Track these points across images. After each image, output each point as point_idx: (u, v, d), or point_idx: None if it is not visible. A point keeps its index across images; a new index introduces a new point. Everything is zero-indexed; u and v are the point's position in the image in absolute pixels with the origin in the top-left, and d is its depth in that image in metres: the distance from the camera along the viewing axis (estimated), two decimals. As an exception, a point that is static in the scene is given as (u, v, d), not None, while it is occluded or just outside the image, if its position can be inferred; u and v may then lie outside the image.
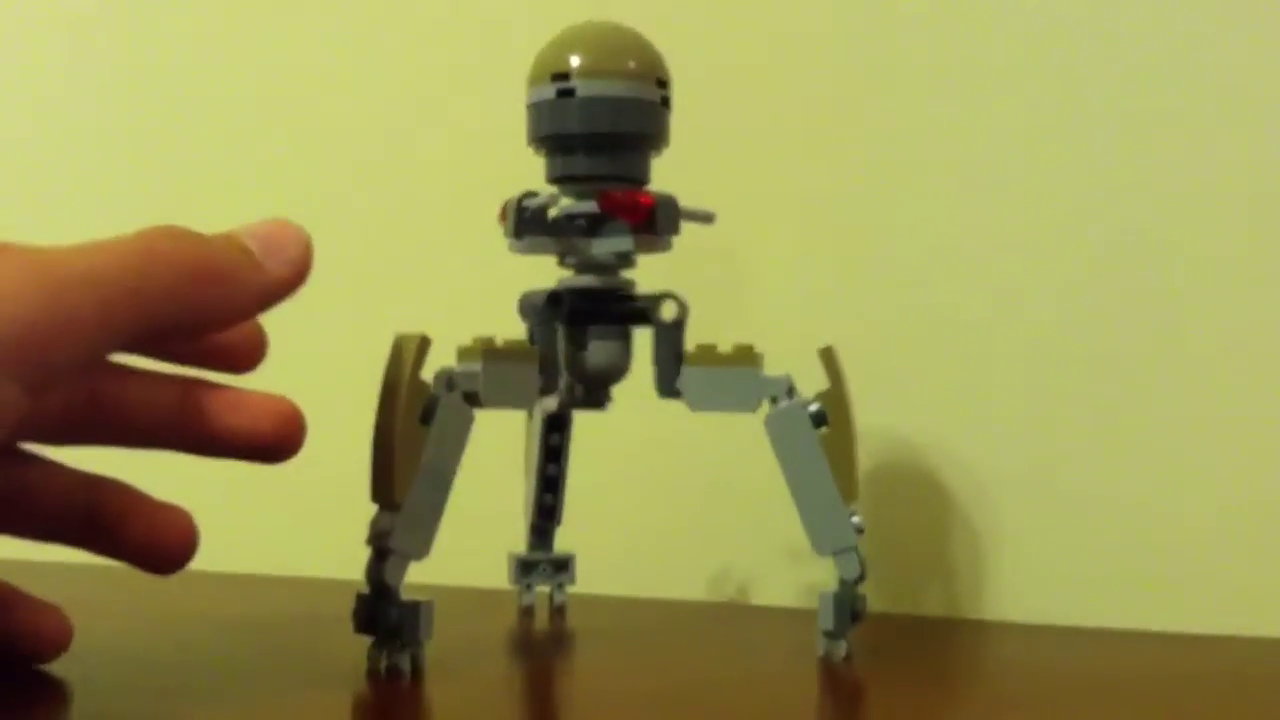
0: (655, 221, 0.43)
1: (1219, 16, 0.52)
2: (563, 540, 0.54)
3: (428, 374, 0.40)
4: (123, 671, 0.42)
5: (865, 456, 0.56)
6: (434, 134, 0.64)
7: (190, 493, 0.67)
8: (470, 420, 0.41)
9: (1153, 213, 0.53)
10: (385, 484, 0.39)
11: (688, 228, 0.45)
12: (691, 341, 0.44)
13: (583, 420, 0.55)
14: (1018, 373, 0.55)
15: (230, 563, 0.65)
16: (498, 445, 0.56)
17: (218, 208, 0.68)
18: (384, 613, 0.40)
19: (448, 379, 0.41)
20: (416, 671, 0.40)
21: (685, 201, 0.45)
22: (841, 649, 0.43)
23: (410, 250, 0.65)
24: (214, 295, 0.35)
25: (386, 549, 0.39)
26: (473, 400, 0.41)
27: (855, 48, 0.57)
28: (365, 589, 0.40)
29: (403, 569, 0.40)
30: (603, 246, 0.44)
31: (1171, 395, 0.53)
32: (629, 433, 0.60)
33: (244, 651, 0.45)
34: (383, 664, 0.40)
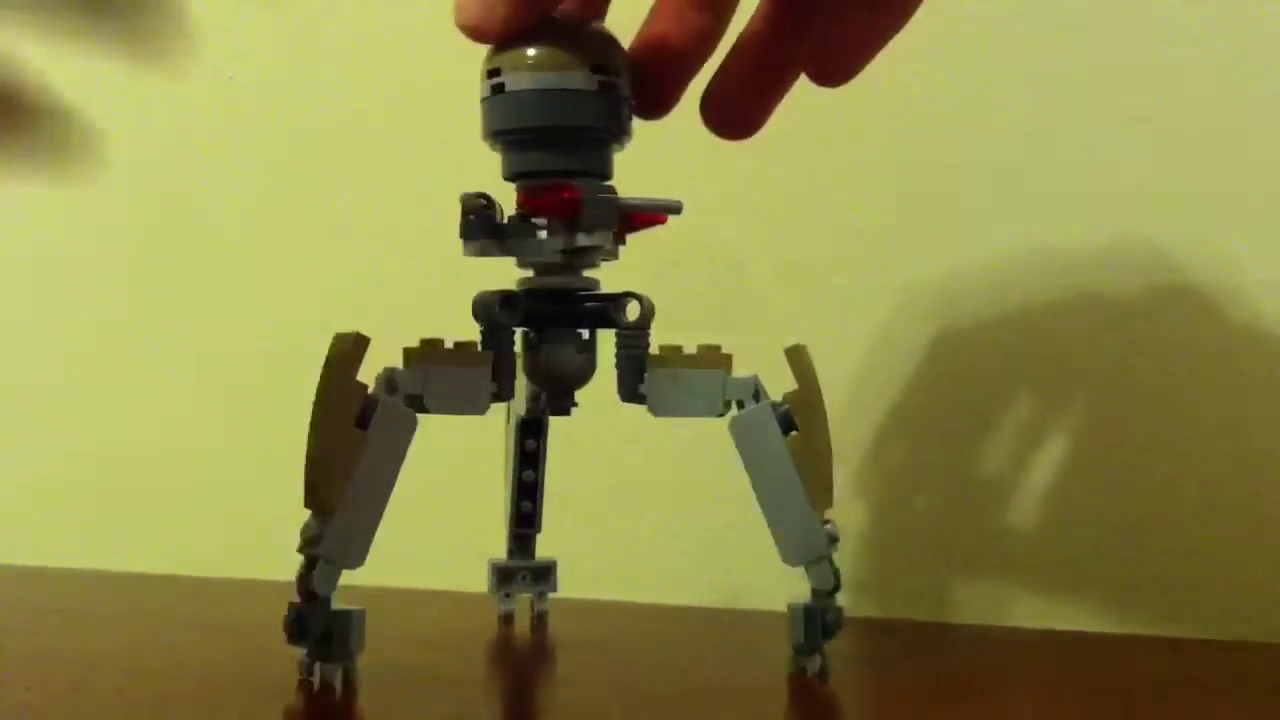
0: (581, 218, 0.40)
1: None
2: (547, 546, 0.52)
3: (372, 375, 0.39)
4: (116, 679, 0.41)
5: (861, 459, 0.54)
6: (400, 129, 0.63)
7: (191, 501, 0.67)
8: (413, 425, 0.39)
9: (1152, 214, 0.51)
10: (316, 490, 0.38)
11: (673, 222, 0.42)
12: (689, 342, 0.42)
13: (562, 423, 0.54)
14: (1020, 375, 0.53)
15: (230, 569, 0.65)
16: (484, 448, 0.55)
17: (196, 204, 0.68)
18: (313, 624, 0.38)
19: (389, 381, 0.39)
20: (349, 685, 0.38)
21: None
22: (815, 664, 0.41)
23: (375, 249, 0.64)
24: None
25: (317, 557, 0.38)
26: (416, 404, 0.39)
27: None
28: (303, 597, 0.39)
29: (333, 578, 0.38)
30: (538, 249, 0.41)
31: (1174, 398, 0.51)
32: (611, 435, 0.58)
33: (225, 658, 0.44)
34: (315, 676, 0.38)
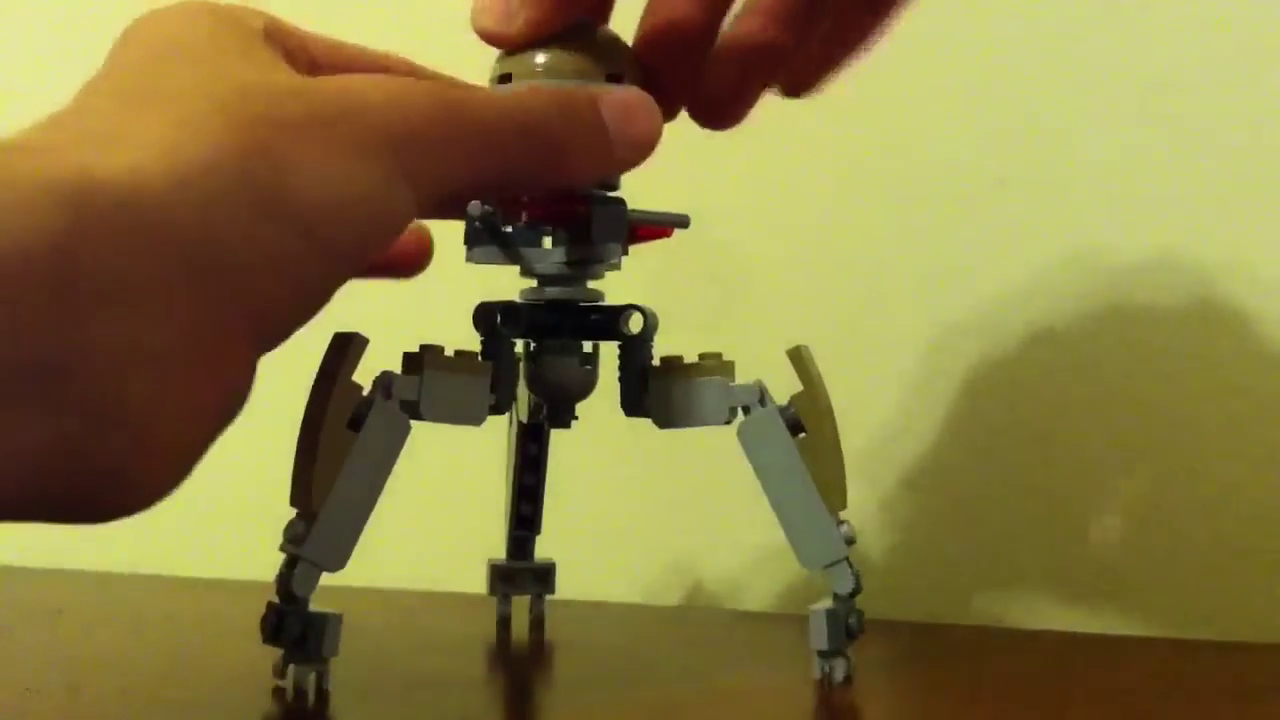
0: (590, 229, 0.39)
1: None
2: (546, 547, 0.52)
3: (369, 378, 0.38)
4: (116, 680, 0.41)
5: (864, 461, 0.54)
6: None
7: (191, 501, 0.66)
8: (405, 430, 0.38)
9: (1144, 214, 0.51)
10: (302, 489, 0.37)
11: (678, 233, 0.42)
12: (692, 350, 0.41)
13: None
14: (1022, 377, 0.53)
15: (231, 570, 0.64)
16: (483, 448, 0.55)
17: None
18: (290, 624, 0.37)
19: (385, 385, 0.38)
20: (321, 692, 0.37)
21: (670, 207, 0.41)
22: (841, 668, 0.40)
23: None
24: (551, 171, 0.35)
25: (298, 556, 0.37)
26: (411, 410, 0.38)
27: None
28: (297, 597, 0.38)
29: (313, 579, 0.37)
30: (543, 258, 0.41)
31: (1174, 400, 0.51)
32: (613, 435, 0.58)
33: (227, 660, 0.44)
34: (289, 681, 0.37)
